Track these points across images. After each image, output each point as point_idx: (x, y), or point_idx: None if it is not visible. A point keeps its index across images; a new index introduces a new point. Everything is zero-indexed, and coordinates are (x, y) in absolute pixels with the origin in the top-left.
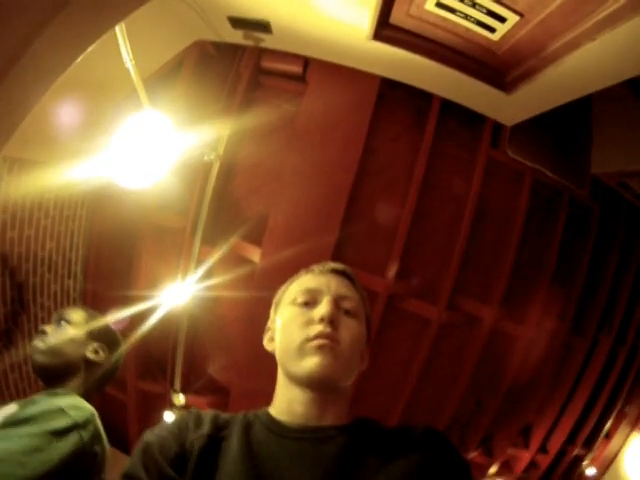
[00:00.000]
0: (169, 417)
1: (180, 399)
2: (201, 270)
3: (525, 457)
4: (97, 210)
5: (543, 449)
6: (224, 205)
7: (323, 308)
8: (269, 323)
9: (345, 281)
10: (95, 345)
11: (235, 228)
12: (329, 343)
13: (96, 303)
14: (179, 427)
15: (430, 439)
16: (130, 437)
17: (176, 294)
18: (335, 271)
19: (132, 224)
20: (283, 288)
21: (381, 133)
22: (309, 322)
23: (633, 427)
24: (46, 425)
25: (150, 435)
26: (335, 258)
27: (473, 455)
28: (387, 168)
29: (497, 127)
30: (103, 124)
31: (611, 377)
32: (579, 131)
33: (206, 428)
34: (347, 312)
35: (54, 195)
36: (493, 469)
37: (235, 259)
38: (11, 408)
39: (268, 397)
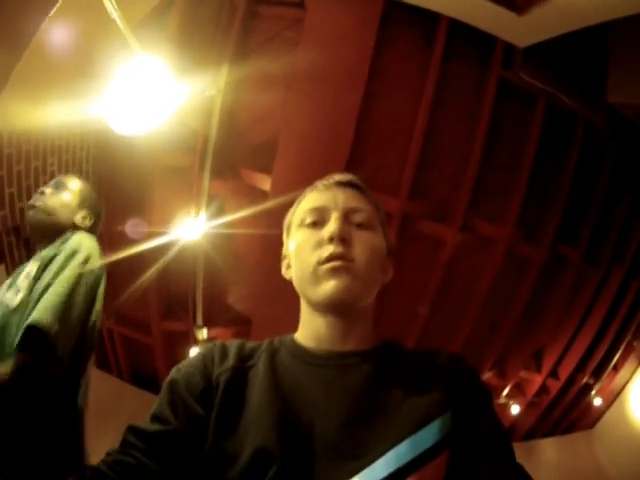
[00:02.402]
0: (195, 352)
1: (204, 334)
2: (214, 204)
3: (537, 381)
4: (103, 155)
5: (554, 374)
6: (231, 138)
7: (331, 226)
8: (284, 250)
9: (353, 192)
10: (84, 212)
11: (244, 159)
12: (343, 264)
13: (112, 244)
14: (204, 361)
15: (455, 367)
16: (160, 379)
17: (190, 229)
18: (341, 183)
19: (140, 168)
20: (292, 210)
21: (387, 54)
22: (320, 243)
23: None
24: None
25: (176, 372)
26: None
27: (487, 376)
28: (395, 89)
29: (509, 49)
30: (98, 75)
31: (621, 309)
32: (596, 56)
33: (231, 360)
34: (360, 225)
35: (57, 156)
36: (505, 391)
37: (247, 191)
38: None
39: (290, 324)
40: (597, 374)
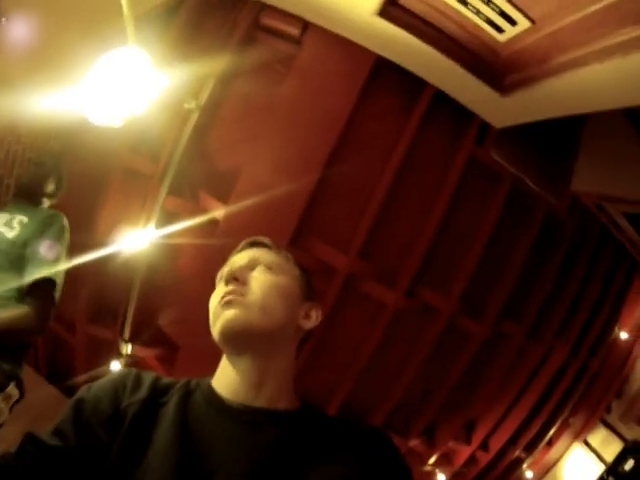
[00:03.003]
0: (115, 366)
1: (127, 349)
2: (163, 219)
3: (466, 452)
4: (69, 145)
5: (484, 446)
6: (197, 156)
7: (225, 272)
8: None
9: (260, 249)
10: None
11: (204, 182)
12: (233, 297)
13: None
14: (115, 387)
15: (374, 444)
16: (76, 382)
17: (135, 240)
18: (250, 244)
19: (102, 163)
20: None
21: (367, 109)
22: (220, 290)
23: (575, 438)
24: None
25: (85, 392)
26: (301, 226)
27: (414, 443)
28: (367, 143)
29: (484, 126)
30: (88, 57)
31: (560, 386)
32: (566, 145)
33: (144, 392)
34: (263, 269)
35: (28, 122)
36: (432, 459)
37: (200, 213)
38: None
39: (216, 358)
40: (530, 448)
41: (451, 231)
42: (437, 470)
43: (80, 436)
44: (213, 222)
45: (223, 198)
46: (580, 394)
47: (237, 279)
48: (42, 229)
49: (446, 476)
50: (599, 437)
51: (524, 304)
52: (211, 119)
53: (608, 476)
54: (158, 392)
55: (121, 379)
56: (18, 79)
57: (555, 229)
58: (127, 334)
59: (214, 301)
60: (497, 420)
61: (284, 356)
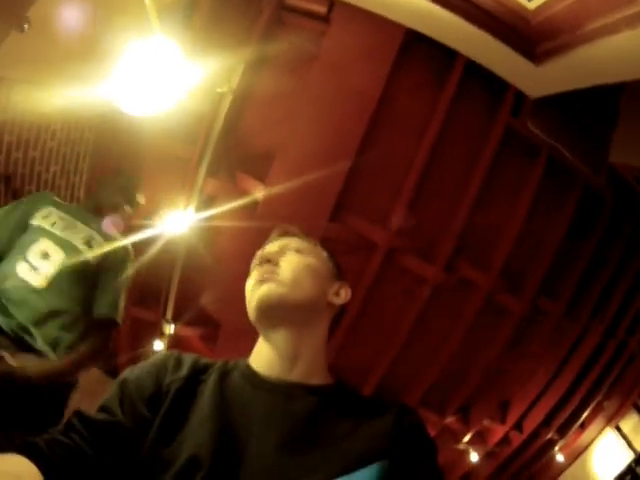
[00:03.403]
0: (158, 346)
1: (171, 329)
2: (203, 200)
3: (500, 431)
4: (104, 134)
5: (518, 427)
6: (232, 139)
7: (261, 255)
8: None
9: (289, 238)
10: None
11: (241, 163)
12: (267, 275)
13: None
14: (157, 368)
15: (402, 418)
16: (120, 363)
17: (176, 223)
18: (280, 234)
19: (138, 151)
20: None
21: (399, 84)
22: (253, 275)
23: (608, 422)
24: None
25: (129, 373)
26: (339, 204)
27: (449, 420)
28: (400, 120)
29: (520, 97)
30: (112, 48)
31: (595, 368)
32: (604, 115)
33: (185, 371)
34: (293, 251)
35: (62, 118)
36: (467, 437)
37: (238, 194)
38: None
39: (256, 336)
40: (562, 430)
41: (489, 205)
42: (471, 448)
43: (125, 412)
44: (252, 202)
45: (260, 179)
46: (615, 377)
47: (269, 260)
48: (117, 269)
49: (479, 455)
50: (631, 423)
51: (561, 281)
52: (244, 102)
53: (636, 466)
54: (198, 371)
55: (163, 360)
56: (48, 74)
57: (593, 203)
58: (170, 314)
59: (249, 284)
60: (532, 400)
61: (317, 331)
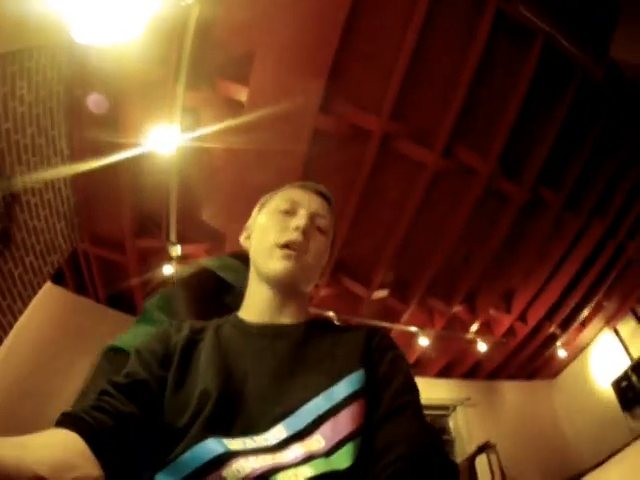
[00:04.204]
0: (168, 270)
1: (177, 250)
2: (188, 116)
3: (505, 321)
4: (74, 79)
5: (523, 318)
6: (207, 49)
7: (300, 220)
8: (248, 222)
9: (323, 201)
10: None
11: (220, 70)
12: (295, 254)
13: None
14: (163, 335)
15: (371, 334)
16: (135, 298)
17: (163, 142)
18: (315, 190)
19: (113, 82)
20: (268, 196)
21: None
22: (285, 229)
23: (607, 322)
24: None
25: (140, 345)
26: (328, 93)
27: (457, 309)
28: (384, 5)
29: None
30: None
31: (596, 266)
32: (604, 5)
33: (185, 332)
34: (319, 229)
35: (26, 79)
36: (474, 327)
37: (223, 102)
38: None
39: None
40: (564, 326)
41: (485, 89)
42: (479, 339)
43: (146, 371)
44: (237, 107)
45: (242, 82)
46: (615, 277)
47: (305, 233)
48: None
49: (487, 345)
50: (629, 328)
51: (562, 172)
52: (214, 9)
53: (632, 373)
54: (196, 331)
55: (166, 330)
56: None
57: (593, 97)
58: (174, 237)
59: (274, 235)
60: (535, 292)
61: (305, 293)
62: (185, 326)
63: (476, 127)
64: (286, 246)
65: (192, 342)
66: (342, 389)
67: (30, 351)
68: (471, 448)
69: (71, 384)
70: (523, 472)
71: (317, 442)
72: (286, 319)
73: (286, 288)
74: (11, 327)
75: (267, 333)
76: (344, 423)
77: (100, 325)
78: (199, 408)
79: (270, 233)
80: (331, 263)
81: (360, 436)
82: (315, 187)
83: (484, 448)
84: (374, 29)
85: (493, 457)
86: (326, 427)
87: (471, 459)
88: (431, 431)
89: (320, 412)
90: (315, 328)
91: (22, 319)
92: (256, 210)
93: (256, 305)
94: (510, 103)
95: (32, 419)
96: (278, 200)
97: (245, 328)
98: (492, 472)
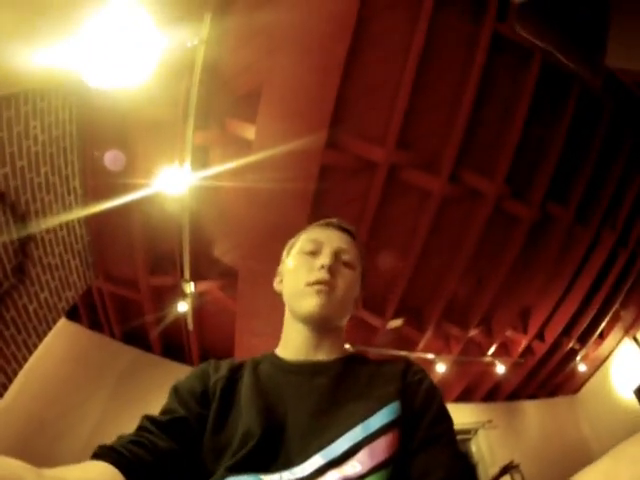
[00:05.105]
0: (182, 307)
1: (191, 287)
2: (197, 155)
3: (523, 341)
4: (87, 120)
5: (540, 336)
6: (214, 89)
7: (324, 258)
8: (279, 268)
9: (346, 237)
10: None
11: (228, 109)
12: (325, 288)
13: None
14: (202, 372)
15: (406, 368)
16: (149, 334)
17: (174, 182)
18: (339, 227)
19: (124, 124)
20: (294, 239)
21: (375, 2)
22: (312, 269)
23: (626, 332)
24: None
25: (178, 382)
26: (333, 128)
27: (473, 333)
28: (383, 38)
29: (503, 2)
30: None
31: (610, 276)
32: (596, 15)
33: (224, 371)
34: (345, 263)
35: (39, 119)
36: (492, 350)
37: (232, 141)
38: None
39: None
40: (583, 340)
41: (486, 112)
42: (497, 361)
43: (184, 409)
44: (246, 146)
45: (250, 120)
46: (631, 285)
47: (331, 270)
48: None
49: (505, 366)
50: None
51: (569, 187)
52: (219, 49)
53: None
54: (234, 369)
55: (204, 367)
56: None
57: (593, 108)
58: (187, 274)
59: (303, 275)
60: (551, 310)
61: (340, 328)
62: (224, 365)
63: (481, 150)
64: (316, 283)
65: (231, 381)
66: (379, 419)
67: (44, 385)
68: (494, 471)
69: (86, 419)
70: None
71: (352, 467)
72: (323, 356)
73: (320, 324)
74: (25, 361)
75: (306, 370)
76: (380, 450)
77: (116, 360)
78: (241, 447)
79: (299, 275)
80: (363, 295)
81: (393, 464)
82: (337, 223)
83: (508, 469)
84: (375, 60)
85: (517, 477)
86: (362, 454)
87: None
88: (465, 459)
89: (356, 440)
90: (352, 363)
91: (37, 353)
92: (284, 254)
93: (293, 344)
94: (513, 122)
95: (46, 454)
96: (302, 242)
97: (284, 366)
98: None
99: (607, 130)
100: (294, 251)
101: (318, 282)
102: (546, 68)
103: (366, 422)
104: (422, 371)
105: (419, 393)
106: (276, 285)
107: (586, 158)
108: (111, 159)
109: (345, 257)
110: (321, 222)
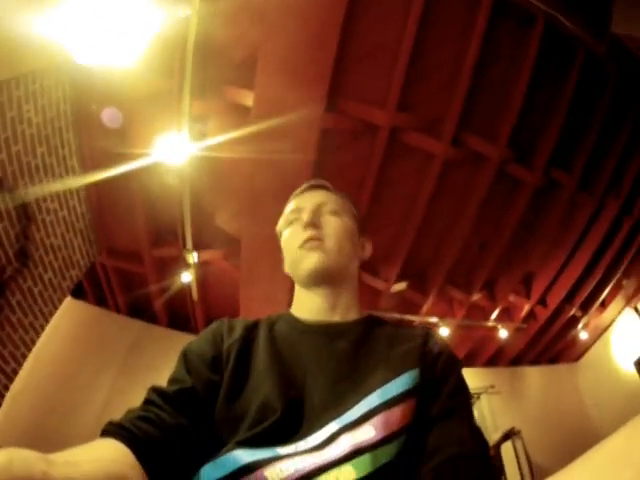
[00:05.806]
0: (186, 277)
1: (194, 257)
2: (196, 125)
3: (525, 307)
4: (81, 97)
5: (543, 302)
6: (209, 57)
7: (303, 217)
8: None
9: (321, 192)
10: None
11: (225, 77)
12: (315, 243)
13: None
14: (214, 335)
15: (427, 336)
16: (154, 306)
17: (173, 152)
18: (311, 187)
19: (120, 98)
20: (280, 219)
21: None
22: (298, 233)
23: (628, 301)
24: None
25: (187, 346)
26: (333, 90)
27: (477, 297)
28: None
29: None
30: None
31: (613, 245)
32: None
33: (238, 333)
34: (331, 212)
35: (32, 102)
36: (495, 314)
37: (230, 109)
38: None
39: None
40: (585, 308)
41: (489, 74)
42: (499, 326)
43: (193, 377)
44: (245, 113)
45: (247, 86)
46: (634, 254)
47: (314, 224)
48: None
49: (508, 331)
50: None
51: (573, 153)
52: (212, 18)
53: None
54: (250, 328)
55: (217, 328)
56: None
57: (597, 74)
58: (190, 244)
59: (293, 242)
60: (554, 275)
61: (351, 281)
62: (238, 325)
63: (483, 113)
64: (304, 243)
65: (247, 343)
66: (397, 386)
67: (54, 366)
68: (496, 436)
69: (97, 394)
70: (549, 457)
71: (366, 432)
72: (339, 317)
73: (326, 279)
74: (34, 344)
75: (325, 332)
76: (395, 419)
77: (123, 335)
78: (258, 421)
79: (291, 244)
80: (371, 240)
81: (407, 434)
82: (309, 184)
83: (509, 435)
84: (374, 22)
85: (518, 443)
86: (378, 419)
87: (496, 447)
88: (480, 434)
89: (372, 406)
90: (373, 326)
91: (44, 335)
92: (280, 239)
93: (307, 308)
94: (516, 86)
95: (58, 432)
96: (286, 216)
97: (301, 327)
98: (518, 459)
99: (612, 97)
100: (282, 226)
101: (305, 241)
102: (549, 33)
103: (384, 388)
104: (443, 341)
105: (439, 362)
106: (285, 268)
107: (591, 125)
108: (108, 117)
109: (326, 207)
110: (296, 191)
